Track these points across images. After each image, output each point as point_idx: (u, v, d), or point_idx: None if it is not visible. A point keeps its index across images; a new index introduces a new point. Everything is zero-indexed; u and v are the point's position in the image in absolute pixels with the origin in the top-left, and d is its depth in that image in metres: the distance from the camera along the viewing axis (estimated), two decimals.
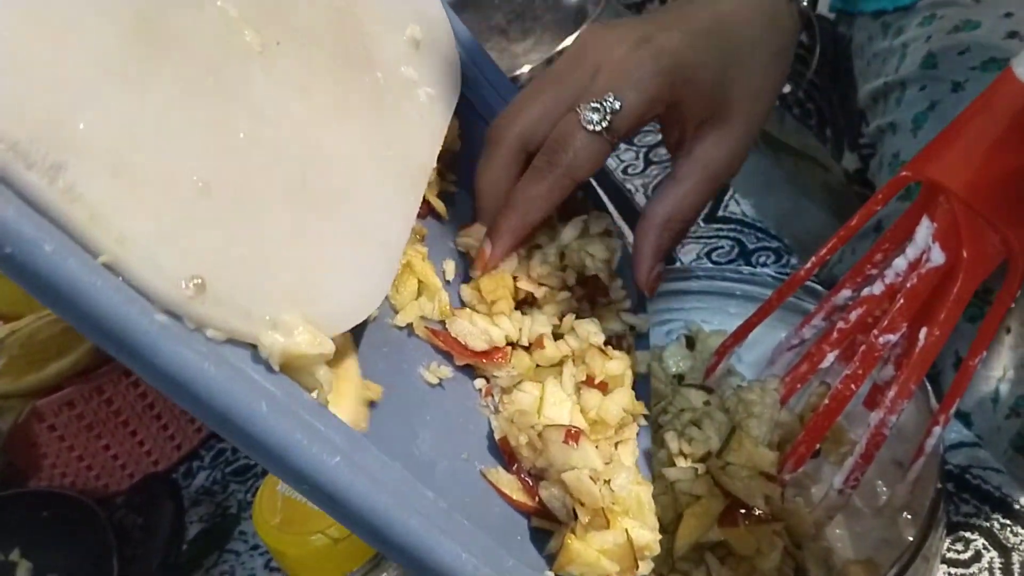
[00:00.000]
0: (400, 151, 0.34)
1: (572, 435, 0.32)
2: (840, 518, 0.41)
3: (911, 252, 0.34)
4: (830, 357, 0.38)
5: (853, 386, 0.36)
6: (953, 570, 0.43)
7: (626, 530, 0.32)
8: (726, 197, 0.65)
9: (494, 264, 0.38)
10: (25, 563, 0.50)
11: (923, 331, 0.34)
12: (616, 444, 0.36)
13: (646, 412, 0.39)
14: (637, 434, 0.38)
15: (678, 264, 0.60)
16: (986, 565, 0.43)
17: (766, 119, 0.42)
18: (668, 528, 0.39)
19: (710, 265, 0.60)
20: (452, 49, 0.41)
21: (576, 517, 0.31)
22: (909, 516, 0.39)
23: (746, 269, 0.54)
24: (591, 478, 0.32)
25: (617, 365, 0.38)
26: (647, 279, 0.41)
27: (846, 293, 0.39)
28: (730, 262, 0.60)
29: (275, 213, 0.26)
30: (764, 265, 0.59)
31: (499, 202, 0.39)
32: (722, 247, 0.61)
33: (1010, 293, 0.34)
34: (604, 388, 0.37)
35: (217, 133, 0.25)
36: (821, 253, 0.39)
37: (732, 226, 0.63)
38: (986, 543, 0.44)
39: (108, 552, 0.48)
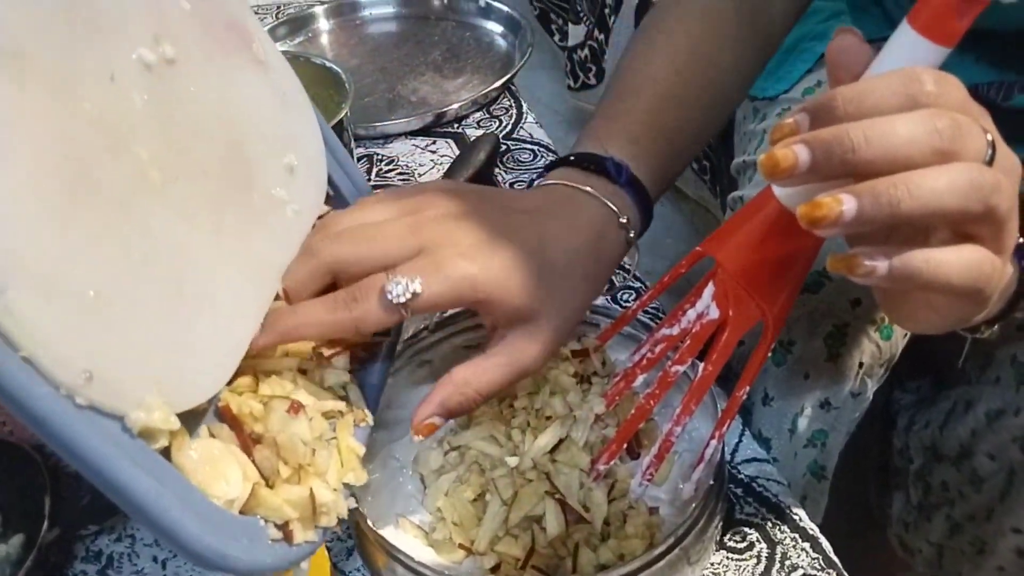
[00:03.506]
0: (263, 260, 0.41)
1: (294, 407, 0.39)
2: (644, 507, 0.52)
3: (699, 306, 0.45)
4: (641, 378, 0.50)
5: (652, 402, 0.47)
6: (731, 555, 0.55)
7: (311, 488, 0.38)
8: None
9: (254, 351, 0.40)
10: None
11: (700, 366, 0.46)
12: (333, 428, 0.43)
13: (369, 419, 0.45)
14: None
15: None
16: (756, 553, 0.55)
17: (574, 329, 0.47)
18: (507, 502, 0.51)
19: None
20: (322, 168, 0.47)
21: (279, 473, 0.38)
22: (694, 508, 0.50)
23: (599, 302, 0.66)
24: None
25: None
26: (418, 420, 0.44)
27: (664, 331, 0.51)
28: None
29: (151, 317, 0.33)
30: (626, 302, 0.71)
31: (296, 299, 0.42)
32: None
33: (767, 343, 0.45)
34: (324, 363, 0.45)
35: (114, 255, 0.32)
36: (643, 299, 0.50)
37: None
38: (759, 536, 0.55)
39: (41, 492, 0.55)
